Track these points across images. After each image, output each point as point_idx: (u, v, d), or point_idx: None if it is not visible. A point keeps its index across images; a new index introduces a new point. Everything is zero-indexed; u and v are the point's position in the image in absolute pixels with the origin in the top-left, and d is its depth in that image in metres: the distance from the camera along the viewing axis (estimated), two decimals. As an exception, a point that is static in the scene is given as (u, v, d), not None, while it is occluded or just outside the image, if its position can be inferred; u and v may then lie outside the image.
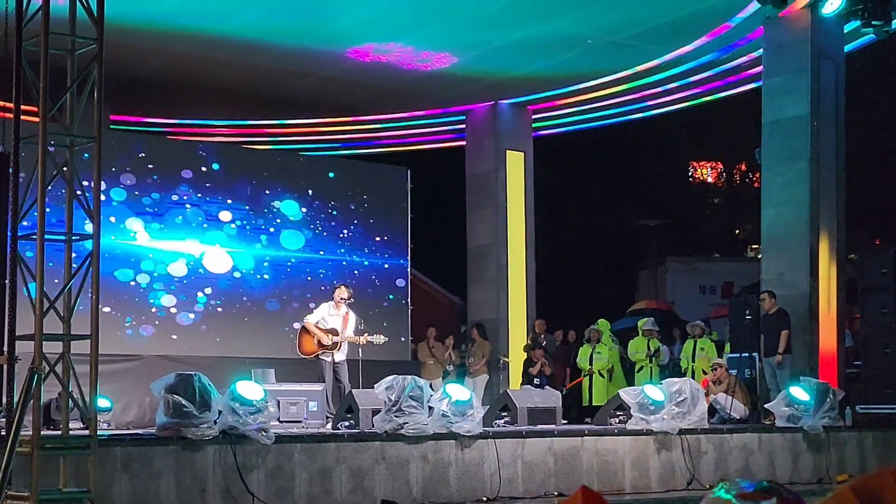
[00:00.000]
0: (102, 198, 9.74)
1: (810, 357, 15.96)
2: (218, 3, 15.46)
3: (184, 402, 10.23)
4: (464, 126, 21.34)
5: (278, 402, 12.30)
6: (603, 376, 17.93)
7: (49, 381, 8.51)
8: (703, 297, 30.14)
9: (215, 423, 10.39)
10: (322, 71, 18.11)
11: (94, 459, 8.63)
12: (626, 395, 13.48)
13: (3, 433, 8.52)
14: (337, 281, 15.88)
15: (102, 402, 12.63)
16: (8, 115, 8.63)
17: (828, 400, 14.44)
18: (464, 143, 21.51)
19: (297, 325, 15.51)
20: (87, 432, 8.73)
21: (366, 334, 14.11)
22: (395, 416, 11.37)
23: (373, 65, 17.89)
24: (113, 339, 15.48)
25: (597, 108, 20.73)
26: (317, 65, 17.83)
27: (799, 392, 14.33)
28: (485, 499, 11.68)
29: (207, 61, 17.46)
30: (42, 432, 8.45)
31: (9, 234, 8.52)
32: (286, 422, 12.54)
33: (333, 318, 14.24)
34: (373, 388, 11.91)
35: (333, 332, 14.10)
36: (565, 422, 14.38)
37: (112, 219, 16.71)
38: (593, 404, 17.31)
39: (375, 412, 11.78)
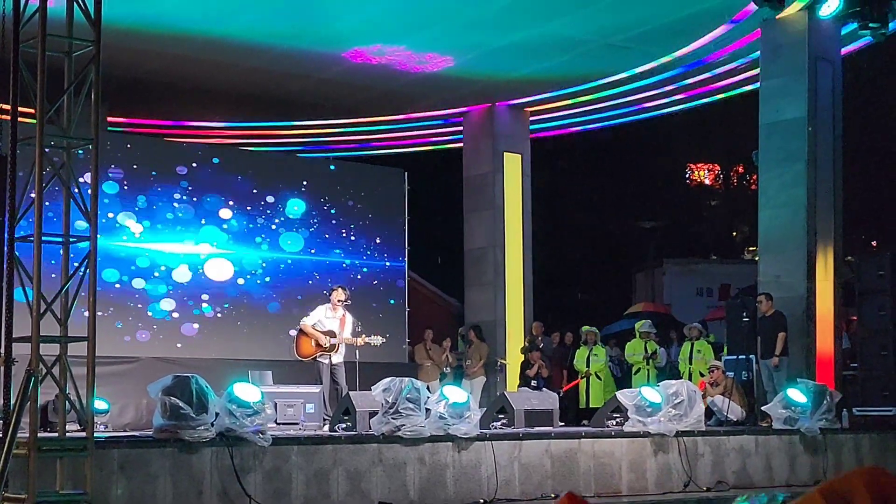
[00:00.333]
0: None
1: (807, 359, 15.98)
2: (215, 5, 15.46)
3: (181, 404, 10.22)
4: (461, 128, 21.33)
5: (275, 404, 12.32)
6: (600, 378, 17.93)
7: (46, 384, 8.48)
8: (700, 300, 30.19)
9: (212, 425, 10.38)
10: (320, 73, 18.11)
11: (91, 461, 8.62)
12: (623, 397, 13.47)
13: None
14: (334, 283, 15.86)
15: (99, 405, 12.62)
16: (5, 117, 8.62)
17: (825, 402, 14.45)
18: (461, 145, 21.51)
19: (292, 333, 15.46)
20: (83, 434, 8.71)
21: (363, 336, 14.09)
22: (392, 418, 11.37)
23: (370, 67, 17.90)
24: (110, 341, 15.45)
25: (594, 110, 20.73)
26: (314, 67, 17.83)
27: (796, 394, 14.33)
28: (482, 501, 11.67)
29: (205, 63, 17.45)
30: (39, 434, 8.42)
31: (6, 236, 8.50)
32: (283, 424, 12.52)
33: (330, 320, 14.22)
34: (370, 390, 11.91)
35: (331, 333, 14.09)
36: (562, 424, 14.36)
37: (110, 215, 16.68)
38: (590, 406, 17.32)
39: (372, 414, 11.77)
